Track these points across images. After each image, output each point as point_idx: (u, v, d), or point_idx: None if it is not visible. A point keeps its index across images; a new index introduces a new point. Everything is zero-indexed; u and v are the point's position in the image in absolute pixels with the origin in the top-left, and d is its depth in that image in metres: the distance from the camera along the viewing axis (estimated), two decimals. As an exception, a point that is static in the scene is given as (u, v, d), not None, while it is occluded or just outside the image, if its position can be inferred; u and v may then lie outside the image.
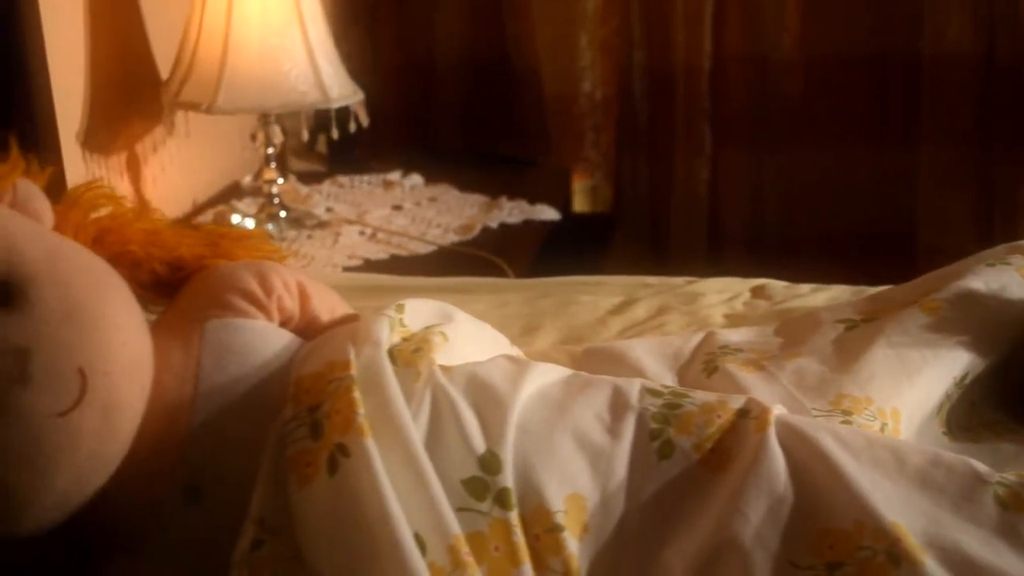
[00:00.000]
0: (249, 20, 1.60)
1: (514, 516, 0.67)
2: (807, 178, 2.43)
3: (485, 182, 2.00)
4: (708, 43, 2.37)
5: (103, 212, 0.75)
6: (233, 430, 0.71)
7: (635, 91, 2.44)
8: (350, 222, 1.77)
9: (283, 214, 1.74)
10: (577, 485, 0.69)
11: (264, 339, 0.74)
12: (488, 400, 0.71)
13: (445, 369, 0.73)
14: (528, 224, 1.82)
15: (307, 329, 0.78)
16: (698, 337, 1.01)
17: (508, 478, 0.68)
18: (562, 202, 1.98)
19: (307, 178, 2.02)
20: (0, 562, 0.69)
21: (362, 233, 1.74)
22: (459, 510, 0.66)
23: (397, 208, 1.87)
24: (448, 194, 1.94)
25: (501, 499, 0.67)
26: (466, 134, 2.50)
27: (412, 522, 0.64)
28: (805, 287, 1.23)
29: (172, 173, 1.84)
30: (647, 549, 0.68)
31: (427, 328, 0.78)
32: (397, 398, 0.68)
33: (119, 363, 0.66)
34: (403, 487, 0.65)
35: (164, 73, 1.76)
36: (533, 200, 1.91)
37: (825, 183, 2.43)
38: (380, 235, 1.73)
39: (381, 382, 0.69)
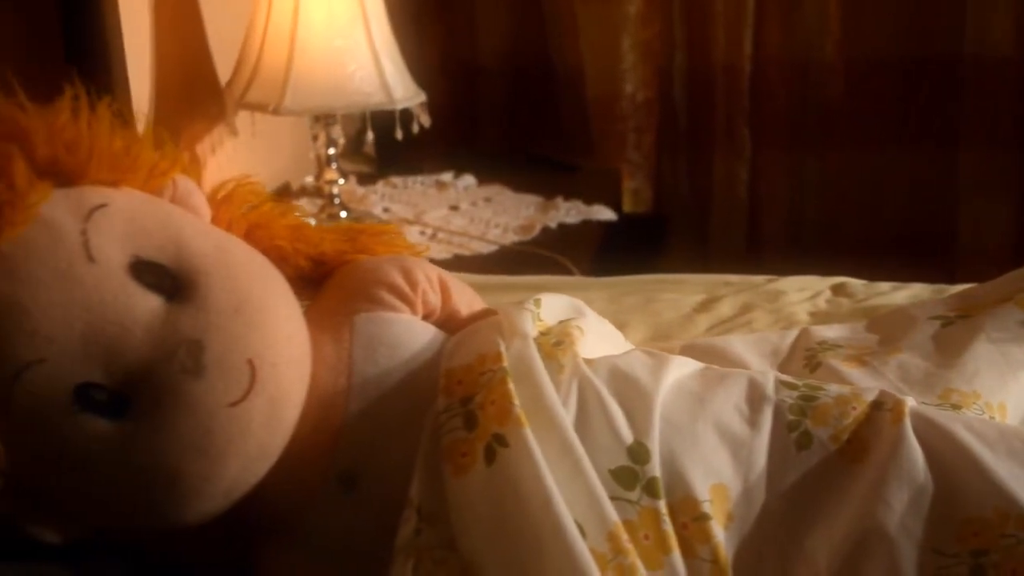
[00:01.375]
0: (315, 22, 1.61)
1: (662, 505, 0.68)
2: (847, 180, 2.44)
3: (535, 183, 2.01)
4: (748, 46, 2.39)
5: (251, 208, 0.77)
6: (386, 420, 0.72)
7: (676, 93, 2.46)
8: (409, 222, 1.79)
9: (343, 214, 1.76)
10: (721, 475, 0.71)
11: (412, 332, 0.75)
12: (632, 392, 0.73)
13: (588, 361, 0.75)
14: (586, 224, 1.83)
15: (447, 323, 0.80)
16: (793, 333, 1.02)
17: (656, 468, 0.69)
18: (612, 203, 2.00)
19: (358, 179, 2.04)
20: (164, 552, 0.71)
21: (422, 233, 1.75)
22: (609, 499, 0.68)
23: (454, 208, 1.88)
24: (502, 194, 1.95)
25: (650, 488, 0.69)
26: (507, 136, 2.52)
27: (570, 510, 0.65)
28: (885, 285, 1.25)
29: (230, 174, 1.85)
30: (789, 538, 0.70)
31: (563, 322, 0.79)
32: (549, 389, 0.70)
33: (285, 355, 0.67)
34: (560, 476, 0.66)
35: (221, 75, 1.78)
36: (585, 201, 1.93)
37: (865, 185, 2.44)
38: (440, 235, 1.74)
39: (533, 374, 0.70)
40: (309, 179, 1.81)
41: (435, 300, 0.79)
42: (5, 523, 0.64)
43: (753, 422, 0.73)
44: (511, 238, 1.75)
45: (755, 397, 0.75)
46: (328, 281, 0.79)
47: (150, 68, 1.62)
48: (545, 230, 1.79)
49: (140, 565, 0.70)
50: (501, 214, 1.85)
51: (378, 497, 0.70)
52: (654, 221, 2.35)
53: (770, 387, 0.75)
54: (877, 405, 0.74)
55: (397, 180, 2.02)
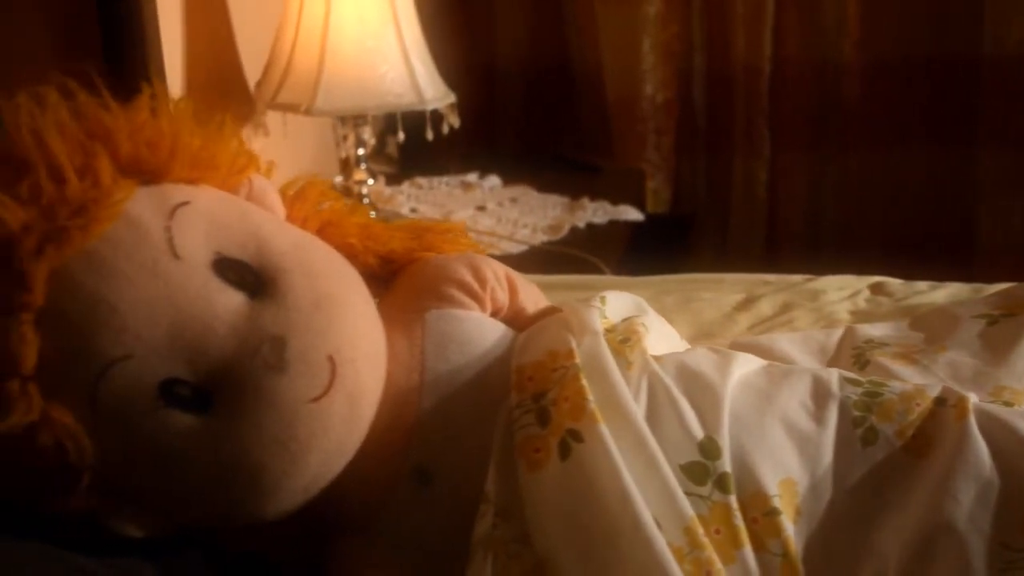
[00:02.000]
0: (346, 23, 1.62)
1: (733, 500, 0.69)
2: (866, 180, 2.46)
3: (558, 183, 2.02)
4: (768, 46, 2.40)
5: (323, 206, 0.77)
6: (459, 416, 0.73)
7: (695, 94, 2.47)
8: (438, 223, 1.79)
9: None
10: (789, 470, 0.71)
11: (482, 329, 0.76)
12: (700, 388, 0.73)
13: (655, 358, 0.76)
14: (613, 224, 1.84)
15: (514, 320, 0.80)
16: (838, 332, 1.03)
17: (727, 463, 0.70)
18: (636, 203, 2.00)
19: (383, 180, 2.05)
20: (240, 547, 0.72)
21: (451, 233, 1.75)
22: None
23: (481, 209, 1.89)
24: (528, 195, 1.96)
25: (721, 483, 0.69)
26: (527, 137, 2.53)
27: (646, 505, 0.66)
28: (922, 284, 1.25)
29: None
30: (857, 532, 0.71)
31: (628, 319, 0.80)
32: (622, 385, 0.71)
33: (363, 351, 0.68)
34: (634, 471, 0.67)
35: (249, 76, 1.79)
36: (609, 201, 1.94)
37: (884, 185, 2.45)
38: (470, 235, 1.75)
39: (604, 370, 0.71)
40: (339, 179, 1.82)
41: (503, 297, 0.80)
42: (90, 518, 0.64)
43: (819, 418, 0.74)
44: (540, 238, 1.76)
45: (820, 393, 0.75)
46: (397, 279, 0.79)
47: (181, 68, 1.63)
48: (573, 230, 1.80)
49: (217, 560, 0.70)
50: (528, 214, 1.85)
51: (452, 493, 0.71)
52: (679, 221, 2.36)
53: (835, 384, 0.76)
54: (940, 401, 0.75)
55: (422, 181, 2.03)
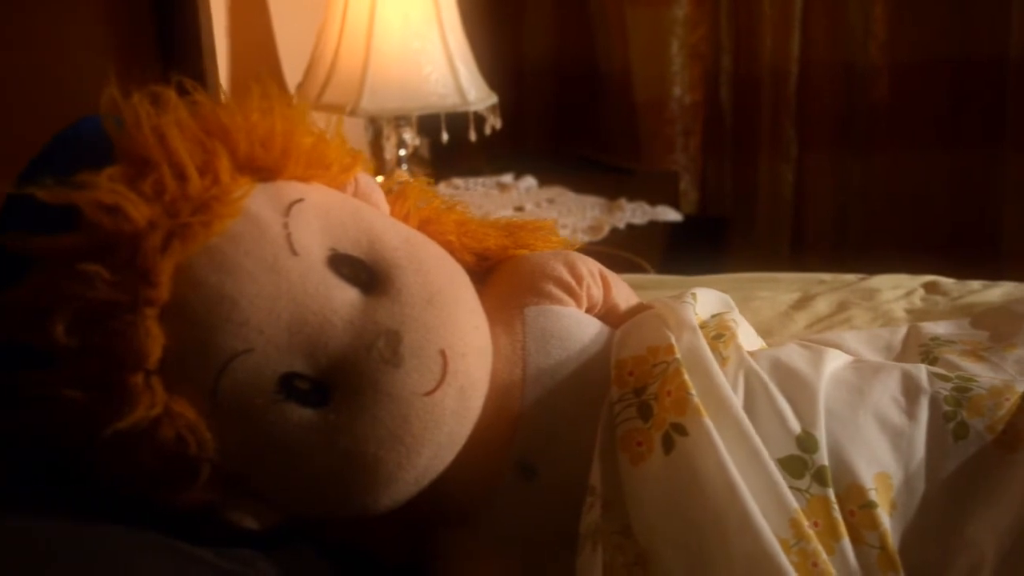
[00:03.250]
0: (391, 24, 1.63)
1: (831, 493, 0.70)
2: (892, 181, 2.47)
3: (592, 185, 2.03)
4: (795, 49, 2.41)
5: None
6: (561, 411, 0.74)
7: (722, 96, 2.49)
8: (478, 223, 1.80)
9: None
10: (883, 464, 0.72)
11: (580, 325, 0.77)
12: (795, 383, 0.74)
13: (750, 354, 0.77)
14: (652, 225, 1.85)
15: (607, 316, 0.81)
16: (902, 330, 1.04)
17: (824, 457, 0.71)
18: (670, 204, 2.01)
19: (418, 181, 2.05)
20: (344, 540, 0.72)
21: (492, 234, 1.76)
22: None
23: (519, 209, 1.90)
24: (565, 196, 1.97)
25: (819, 477, 0.70)
26: (553, 139, 2.54)
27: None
28: (976, 283, 1.26)
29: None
30: (950, 525, 0.71)
31: (718, 315, 0.81)
32: (722, 380, 0.72)
33: (473, 345, 0.69)
34: (738, 465, 0.68)
35: (288, 78, 1.80)
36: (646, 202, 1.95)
37: (910, 187, 2.47)
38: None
39: (705, 365, 0.72)
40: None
41: (598, 294, 0.81)
42: (206, 511, 0.65)
43: (911, 413, 0.75)
44: (581, 238, 1.77)
45: (911, 388, 0.76)
46: (492, 275, 0.80)
47: (227, 68, 1.64)
48: (614, 231, 1.80)
49: (327, 556, 0.71)
50: (567, 215, 1.86)
51: (555, 486, 0.72)
52: (715, 222, 2.37)
53: (924, 379, 0.77)
54: (1028, 396, 0.76)
55: (459, 182, 2.04)
